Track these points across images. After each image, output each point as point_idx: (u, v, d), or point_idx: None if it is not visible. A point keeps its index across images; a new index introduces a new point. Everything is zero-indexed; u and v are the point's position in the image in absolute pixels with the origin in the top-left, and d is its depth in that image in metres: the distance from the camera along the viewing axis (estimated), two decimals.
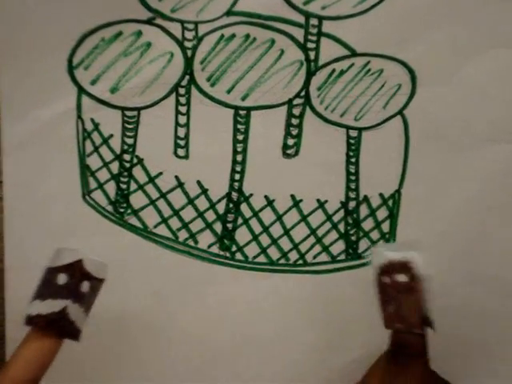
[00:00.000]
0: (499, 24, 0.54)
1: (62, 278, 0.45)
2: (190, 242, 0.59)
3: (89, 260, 0.45)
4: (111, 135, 0.57)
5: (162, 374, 0.62)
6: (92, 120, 0.56)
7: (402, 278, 0.44)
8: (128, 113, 0.56)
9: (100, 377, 0.62)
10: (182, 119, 0.56)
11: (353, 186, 0.58)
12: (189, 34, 0.54)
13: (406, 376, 0.43)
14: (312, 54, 0.55)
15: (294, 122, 0.56)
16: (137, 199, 0.58)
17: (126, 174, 0.58)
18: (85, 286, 0.45)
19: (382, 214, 0.59)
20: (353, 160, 0.57)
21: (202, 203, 0.58)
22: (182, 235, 0.59)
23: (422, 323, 0.44)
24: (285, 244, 0.59)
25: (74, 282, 0.44)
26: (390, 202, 0.58)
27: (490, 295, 0.60)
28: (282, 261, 0.60)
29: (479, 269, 0.59)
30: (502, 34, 0.54)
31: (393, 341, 0.45)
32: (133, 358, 0.62)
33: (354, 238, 0.59)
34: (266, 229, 0.59)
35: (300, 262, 0.60)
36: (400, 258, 0.45)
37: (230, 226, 0.59)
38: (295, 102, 0.56)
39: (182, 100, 0.56)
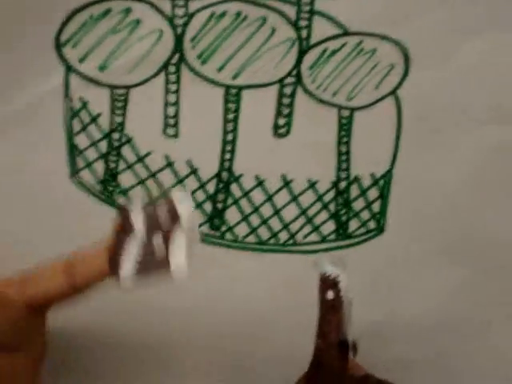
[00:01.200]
0: (497, 6, 0.54)
1: (163, 215, 0.43)
2: None
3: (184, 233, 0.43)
4: (99, 114, 0.56)
5: (162, 347, 0.62)
6: (80, 98, 0.55)
7: (330, 294, 0.45)
8: (117, 91, 0.55)
9: (95, 362, 0.62)
10: (172, 98, 0.56)
11: (344, 166, 0.58)
12: (179, 11, 0.53)
13: None
14: (304, 33, 0.54)
15: (286, 101, 0.56)
16: (126, 178, 0.58)
17: (114, 153, 0.57)
18: (158, 239, 0.43)
19: (372, 194, 0.59)
20: (344, 140, 0.57)
21: (192, 183, 0.58)
22: None
23: (340, 344, 0.44)
24: (275, 224, 0.59)
25: (165, 222, 0.42)
26: (381, 183, 0.58)
27: (485, 275, 0.60)
28: (272, 241, 0.59)
29: (472, 250, 0.60)
30: (500, 17, 0.54)
31: (313, 357, 0.45)
32: (125, 335, 0.62)
33: (344, 219, 0.59)
34: (256, 209, 0.59)
35: (290, 242, 0.59)
36: (333, 274, 0.45)
37: (219, 205, 0.59)
38: (286, 81, 0.55)
39: (172, 78, 0.55)
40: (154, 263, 0.43)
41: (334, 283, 0.44)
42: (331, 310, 0.43)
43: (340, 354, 0.43)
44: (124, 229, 0.43)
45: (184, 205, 0.43)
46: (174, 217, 0.43)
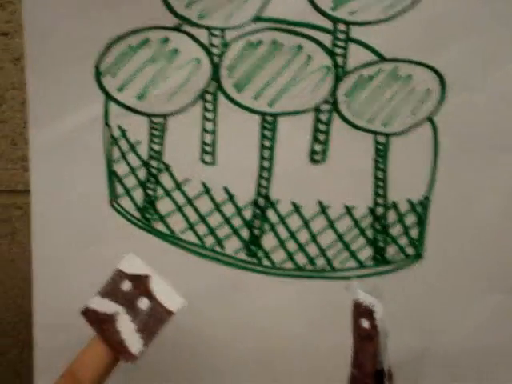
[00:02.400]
0: None
1: (126, 285, 0.45)
2: (217, 248, 0.59)
3: (158, 282, 0.45)
4: (138, 142, 0.57)
5: (185, 380, 0.62)
6: (119, 127, 0.56)
7: (365, 323, 0.44)
8: (155, 119, 0.56)
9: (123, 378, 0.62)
10: (209, 125, 0.56)
11: (381, 191, 0.57)
12: (215, 41, 0.54)
13: None
14: (340, 60, 0.54)
15: (321, 127, 0.56)
16: (164, 205, 0.58)
17: (153, 180, 0.58)
18: (143, 303, 0.45)
19: (410, 219, 0.58)
20: (381, 166, 0.57)
21: (229, 209, 0.58)
22: (209, 241, 0.59)
23: (377, 374, 0.43)
24: (312, 250, 0.59)
25: (134, 293, 0.45)
26: (419, 208, 0.58)
27: None
28: (309, 267, 0.59)
29: (510, 277, 0.59)
30: None
31: None
32: (155, 363, 0.62)
33: (381, 244, 0.59)
34: (292, 235, 0.59)
35: (327, 268, 0.59)
36: (367, 303, 0.44)
37: (256, 231, 0.59)
38: (322, 107, 0.56)
39: (209, 106, 0.56)
40: (155, 321, 0.44)
41: (368, 312, 0.43)
42: (367, 340, 0.43)
43: (377, 382, 0.42)
44: (102, 320, 0.44)
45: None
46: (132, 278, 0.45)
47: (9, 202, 0.60)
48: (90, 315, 0.45)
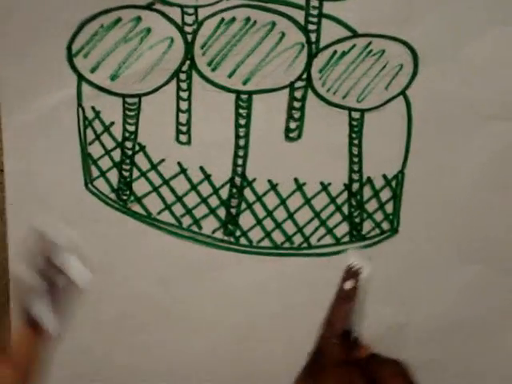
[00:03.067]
0: (503, 3, 0.54)
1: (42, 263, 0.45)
2: (194, 228, 0.59)
3: (67, 258, 0.45)
4: (112, 123, 0.56)
5: (167, 358, 0.62)
6: (93, 108, 0.56)
7: (347, 284, 0.44)
8: (129, 100, 0.56)
9: (106, 364, 0.62)
10: (184, 105, 0.56)
11: (356, 167, 0.58)
12: (189, 19, 0.54)
13: None
14: (313, 36, 0.54)
15: (296, 104, 0.56)
16: (140, 186, 0.58)
17: (128, 161, 0.57)
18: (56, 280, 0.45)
19: (385, 195, 0.59)
20: (356, 142, 0.57)
21: (205, 189, 0.58)
22: (186, 221, 0.59)
23: (344, 334, 0.43)
24: (289, 227, 0.59)
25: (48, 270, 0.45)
26: (394, 183, 0.58)
27: (499, 273, 0.61)
28: (287, 244, 0.60)
29: (486, 248, 0.60)
30: (503, 12, 0.54)
31: (316, 344, 0.44)
32: (138, 343, 0.62)
33: (357, 220, 0.59)
34: (269, 213, 0.59)
35: (304, 245, 0.60)
36: (356, 265, 0.44)
37: (233, 211, 0.59)
38: (297, 84, 0.56)
39: (183, 85, 0.55)
40: (67, 298, 0.45)
41: (355, 272, 0.43)
42: (343, 300, 0.43)
43: (342, 344, 0.42)
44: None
45: None
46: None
47: None
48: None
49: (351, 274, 0.43)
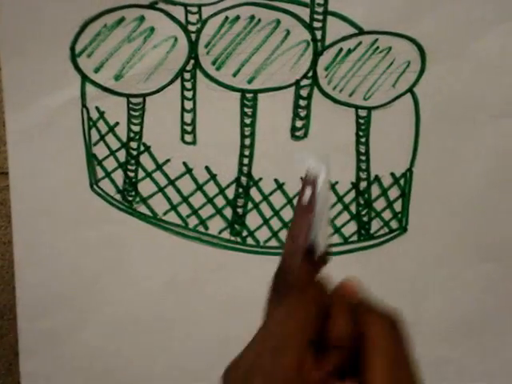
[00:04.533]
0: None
1: None
2: (201, 228, 0.59)
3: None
4: (117, 123, 0.56)
5: (174, 359, 0.62)
6: (97, 108, 0.55)
7: (308, 192, 0.39)
8: (133, 100, 0.55)
9: (111, 364, 0.62)
10: (188, 104, 0.55)
11: (363, 166, 0.57)
12: (192, 18, 0.53)
13: (280, 309, 0.36)
14: (318, 34, 0.54)
15: (302, 103, 0.56)
16: (145, 187, 0.58)
17: (133, 161, 0.57)
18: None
19: (393, 193, 0.58)
20: (363, 140, 0.56)
21: (211, 189, 0.58)
22: (192, 221, 0.58)
23: (309, 248, 0.37)
24: None
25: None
26: (402, 181, 0.58)
27: (506, 270, 0.60)
28: None
29: (495, 246, 0.59)
30: (511, 8, 0.53)
31: (280, 261, 0.39)
32: (144, 345, 0.61)
33: (365, 219, 0.59)
34: (276, 212, 0.58)
35: None
36: (314, 171, 0.38)
37: (240, 210, 0.58)
38: (303, 82, 0.55)
39: (188, 85, 0.55)
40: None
41: (313, 180, 0.38)
42: (304, 211, 0.38)
43: (307, 259, 0.38)
44: None
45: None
46: None
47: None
48: None
49: (309, 181, 0.38)
